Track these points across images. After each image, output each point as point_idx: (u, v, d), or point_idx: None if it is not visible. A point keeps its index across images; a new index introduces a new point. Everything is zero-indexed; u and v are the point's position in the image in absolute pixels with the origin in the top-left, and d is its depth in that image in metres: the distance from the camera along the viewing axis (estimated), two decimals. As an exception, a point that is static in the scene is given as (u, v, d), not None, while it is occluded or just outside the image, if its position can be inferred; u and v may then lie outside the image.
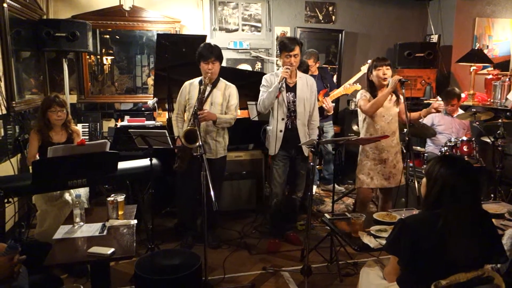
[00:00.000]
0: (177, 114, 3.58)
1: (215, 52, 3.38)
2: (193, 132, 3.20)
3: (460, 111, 4.64)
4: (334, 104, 4.80)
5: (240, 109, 4.76)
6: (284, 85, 3.37)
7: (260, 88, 3.53)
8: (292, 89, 3.48)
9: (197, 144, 2.81)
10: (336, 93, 4.60)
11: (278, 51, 3.49)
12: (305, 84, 3.52)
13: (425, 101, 5.62)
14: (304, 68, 4.13)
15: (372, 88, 3.37)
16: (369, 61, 4.05)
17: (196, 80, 3.52)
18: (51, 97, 3.34)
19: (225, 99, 3.50)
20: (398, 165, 3.42)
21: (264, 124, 3.82)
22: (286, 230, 3.80)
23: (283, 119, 3.44)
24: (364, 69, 4.44)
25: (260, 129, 3.90)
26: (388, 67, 3.31)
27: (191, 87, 3.50)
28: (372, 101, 3.29)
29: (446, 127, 4.58)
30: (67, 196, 3.22)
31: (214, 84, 3.46)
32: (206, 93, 3.39)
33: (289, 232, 3.78)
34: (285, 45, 3.35)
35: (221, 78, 3.54)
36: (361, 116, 3.47)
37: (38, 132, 3.31)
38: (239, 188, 4.33)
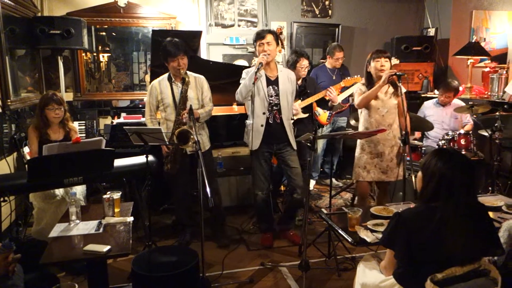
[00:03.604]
0: (151, 116, 3.53)
1: (181, 47, 3.34)
2: (184, 132, 3.20)
3: (459, 102, 4.63)
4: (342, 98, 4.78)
5: (237, 105, 4.75)
6: (264, 78, 3.38)
7: (240, 81, 3.46)
8: (274, 82, 3.44)
9: (192, 141, 2.80)
10: (336, 85, 4.59)
11: (254, 44, 3.45)
12: (287, 77, 3.49)
13: (422, 95, 5.62)
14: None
15: (370, 80, 3.36)
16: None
17: (165, 78, 3.47)
18: (48, 94, 3.31)
19: (198, 91, 3.49)
20: (395, 158, 3.38)
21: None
22: (287, 229, 3.76)
23: (264, 113, 3.41)
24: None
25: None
26: (387, 59, 3.29)
27: (161, 86, 3.45)
28: (363, 95, 3.29)
29: (437, 117, 4.58)
30: (63, 193, 3.22)
31: (184, 80, 3.37)
32: (179, 90, 3.37)
33: (289, 232, 3.75)
34: (257, 34, 3.38)
35: (187, 71, 3.44)
36: (359, 110, 3.46)
37: (35, 129, 3.29)
38: (237, 184, 4.33)
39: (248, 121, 3.55)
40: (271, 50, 3.34)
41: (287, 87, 3.46)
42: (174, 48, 3.30)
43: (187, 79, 3.35)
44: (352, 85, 4.46)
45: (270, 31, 3.40)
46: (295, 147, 3.52)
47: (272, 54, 3.36)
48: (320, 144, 5.06)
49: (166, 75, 3.48)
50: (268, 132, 3.43)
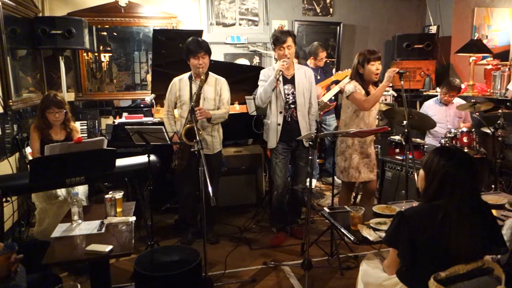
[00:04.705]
0: (168, 111, 3.57)
1: (204, 46, 3.35)
2: (193, 129, 3.20)
3: (460, 101, 4.61)
4: (333, 99, 4.82)
5: (239, 104, 4.74)
6: (281, 78, 3.37)
7: (258, 83, 3.52)
8: (290, 81, 3.47)
9: (195, 140, 2.80)
10: (327, 80, 4.59)
11: (272, 46, 3.48)
12: (304, 75, 3.51)
13: (424, 93, 5.60)
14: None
15: (362, 81, 3.32)
16: None
17: (186, 76, 3.50)
18: (50, 97, 3.31)
19: (217, 93, 3.49)
20: (374, 158, 3.50)
21: (263, 119, 3.80)
22: (291, 224, 3.80)
23: (280, 112, 3.43)
24: None
25: (259, 124, 3.89)
26: (380, 62, 3.29)
27: (181, 84, 3.48)
28: (369, 96, 3.26)
29: (440, 116, 4.55)
30: (65, 194, 3.22)
31: (204, 79, 3.40)
32: (197, 88, 3.37)
33: (293, 226, 3.79)
34: (277, 38, 3.37)
35: (209, 72, 3.49)
36: (350, 109, 3.39)
37: (37, 129, 3.30)
38: (239, 183, 4.32)
39: (266, 120, 3.60)
40: (291, 54, 3.37)
41: (304, 85, 3.48)
42: (196, 46, 3.32)
43: (202, 77, 3.35)
44: (343, 78, 4.49)
45: (289, 34, 3.40)
46: (305, 144, 3.53)
47: (291, 57, 3.39)
48: None
49: (188, 73, 3.51)
50: (286, 130, 3.47)
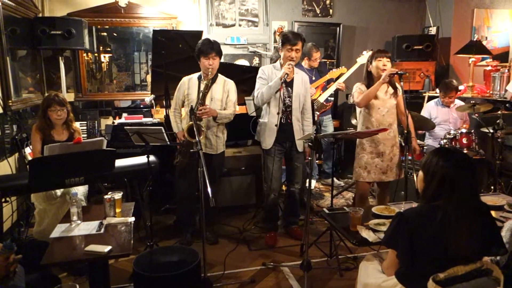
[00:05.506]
0: (175, 109, 3.59)
1: (215, 48, 3.37)
2: (193, 128, 3.21)
3: (459, 102, 4.62)
4: (331, 99, 4.83)
5: (238, 104, 4.74)
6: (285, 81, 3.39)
7: (257, 80, 3.53)
8: (289, 84, 3.48)
9: (195, 140, 2.80)
10: (321, 79, 4.59)
11: (280, 44, 3.47)
12: (301, 80, 3.54)
13: (424, 94, 5.60)
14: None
15: (370, 79, 3.36)
16: (364, 52, 4.15)
17: (195, 76, 3.52)
18: (51, 96, 3.33)
19: (224, 94, 3.51)
20: (395, 158, 3.40)
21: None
22: (290, 225, 3.82)
23: (278, 113, 3.43)
24: (360, 60, 4.39)
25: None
26: (389, 59, 3.30)
27: (190, 83, 3.50)
28: (363, 93, 3.29)
29: (442, 118, 4.56)
30: (65, 192, 3.22)
31: (213, 80, 3.45)
32: (204, 87, 3.38)
33: (292, 227, 3.80)
34: (288, 39, 3.37)
35: (219, 74, 3.54)
36: (358, 109, 3.47)
37: (39, 130, 3.30)
38: (238, 184, 4.32)
39: (262, 120, 3.60)
40: (296, 58, 3.40)
41: (300, 90, 3.52)
42: (208, 47, 3.34)
43: (210, 76, 3.37)
44: (338, 77, 4.50)
45: (301, 37, 3.41)
46: (299, 149, 3.58)
47: (296, 60, 3.42)
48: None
49: (197, 73, 3.53)
50: (281, 131, 3.49)
